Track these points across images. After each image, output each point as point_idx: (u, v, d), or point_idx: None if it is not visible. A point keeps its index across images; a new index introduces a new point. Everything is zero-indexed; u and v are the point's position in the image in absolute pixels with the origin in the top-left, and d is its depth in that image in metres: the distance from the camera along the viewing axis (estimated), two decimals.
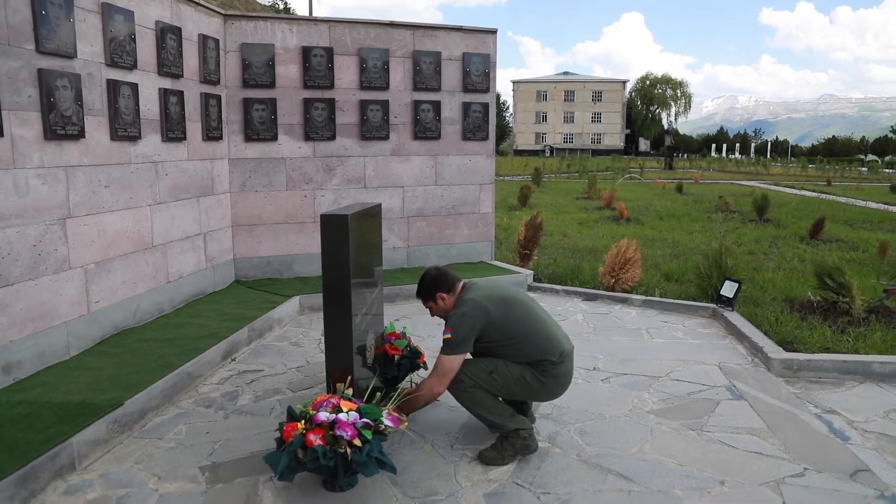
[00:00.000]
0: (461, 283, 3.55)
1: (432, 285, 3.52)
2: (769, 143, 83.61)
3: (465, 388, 3.36)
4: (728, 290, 6.05)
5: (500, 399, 3.44)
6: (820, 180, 31.56)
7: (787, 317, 5.73)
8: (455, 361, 3.29)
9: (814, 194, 22.26)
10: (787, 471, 3.27)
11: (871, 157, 73.97)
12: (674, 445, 3.52)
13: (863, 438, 3.65)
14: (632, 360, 4.87)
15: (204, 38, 6.11)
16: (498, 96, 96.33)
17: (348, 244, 3.15)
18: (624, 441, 3.56)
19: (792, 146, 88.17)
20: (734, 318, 5.71)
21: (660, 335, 5.55)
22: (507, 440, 3.36)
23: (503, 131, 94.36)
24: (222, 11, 6.56)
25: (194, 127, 6.06)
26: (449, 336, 3.28)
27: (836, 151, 77.87)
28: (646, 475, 3.20)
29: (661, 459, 3.36)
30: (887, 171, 45.40)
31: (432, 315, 3.62)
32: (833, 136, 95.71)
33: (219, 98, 6.48)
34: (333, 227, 3.17)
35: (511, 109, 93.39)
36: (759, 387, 4.38)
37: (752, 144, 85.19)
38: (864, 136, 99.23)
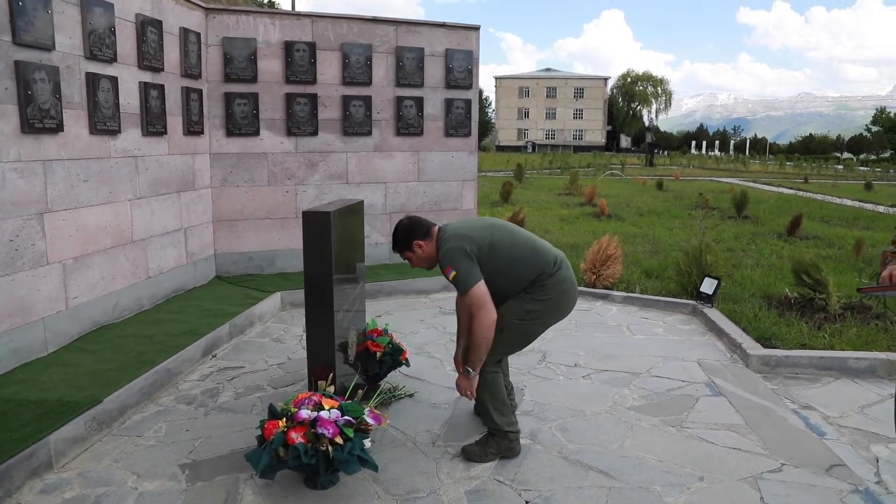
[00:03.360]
0: (436, 227, 3.41)
1: (407, 234, 3.38)
2: (748, 141, 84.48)
3: (485, 371, 3.30)
4: (707, 286, 6.12)
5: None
6: (797, 178, 31.98)
7: (766, 313, 5.81)
8: (479, 288, 3.13)
9: (791, 191, 22.54)
10: (764, 466, 3.32)
11: (846, 154, 75.10)
12: (654, 442, 3.56)
13: (838, 433, 3.71)
14: (613, 357, 4.91)
15: (185, 32, 6.05)
16: (480, 92, 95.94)
17: (330, 241, 3.14)
18: (604, 438, 3.59)
19: (770, 143, 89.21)
20: (714, 314, 5.78)
21: (640, 331, 5.60)
22: (493, 438, 3.35)
23: (486, 127, 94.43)
24: (204, 5, 6.49)
25: (175, 121, 6.00)
26: (455, 272, 3.14)
27: (813, 149, 78.88)
28: (626, 471, 3.23)
29: (641, 456, 3.40)
30: (862, 168, 46.10)
31: (413, 266, 3.47)
32: (810, 133, 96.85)
33: (200, 92, 6.41)
34: (315, 224, 3.16)
35: (493, 105, 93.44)
36: (737, 383, 4.44)
37: (732, 142, 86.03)
38: (839, 135, 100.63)
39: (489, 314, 3.13)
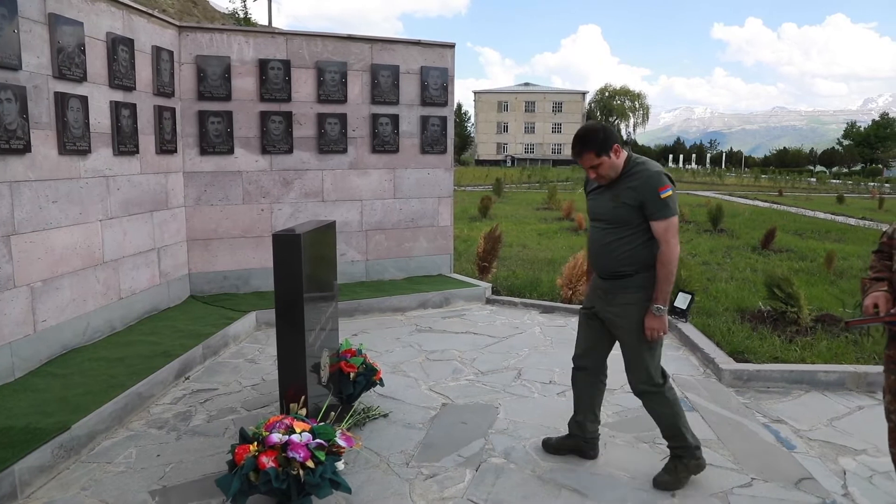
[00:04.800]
0: None
1: (607, 134, 3.12)
2: (724, 154, 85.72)
3: (665, 389, 3.24)
4: (682, 301, 6.17)
5: None
6: (772, 190, 32.47)
7: (739, 327, 5.87)
8: (677, 219, 3.12)
9: (766, 204, 22.88)
10: (735, 481, 3.34)
11: (819, 168, 76.44)
12: (626, 458, 3.58)
13: (807, 447, 3.76)
14: None
15: (158, 50, 6.03)
16: (459, 106, 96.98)
17: (301, 263, 3.13)
18: (578, 455, 3.59)
19: (746, 157, 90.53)
20: (688, 329, 5.83)
21: (615, 347, 5.61)
22: (681, 461, 3.27)
23: (465, 141, 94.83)
24: (177, 23, 6.48)
25: (147, 140, 5.95)
26: (670, 192, 3.05)
27: (787, 162, 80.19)
28: (598, 489, 3.24)
29: (613, 473, 3.41)
30: (834, 181, 46.93)
31: (594, 175, 3.18)
32: (784, 147, 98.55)
33: (173, 111, 6.38)
34: (286, 246, 3.15)
35: (473, 119, 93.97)
36: (710, 398, 4.48)
37: (708, 155, 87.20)
38: (812, 148, 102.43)
39: (678, 245, 3.11)
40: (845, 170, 71.83)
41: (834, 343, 5.41)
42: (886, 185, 40.03)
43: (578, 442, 3.59)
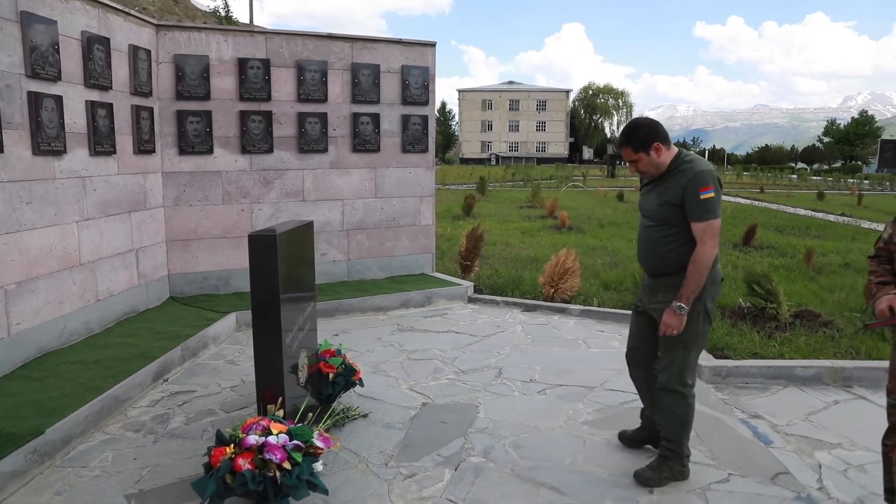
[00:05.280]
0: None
1: (650, 133, 3.13)
2: (707, 152, 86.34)
3: (689, 394, 3.24)
4: None
5: None
6: (754, 187, 32.74)
7: (719, 323, 5.91)
8: (719, 220, 3.09)
9: (748, 201, 23.06)
10: (712, 477, 3.37)
11: (800, 165, 77.20)
12: (606, 456, 3.59)
13: (784, 441, 3.80)
14: (568, 371, 4.94)
15: (135, 49, 5.96)
16: (444, 105, 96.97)
17: (277, 263, 3.11)
18: (558, 453, 3.60)
19: (728, 154, 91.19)
20: None
21: (596, 345, 5.65)
22: (667, 462, 3.29)
23: (449, 140, 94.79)
24: (154, 22, 6.41)
25: (125, 140, 5.89)
26: (711, 195, 3.02)
27: (768, 160, 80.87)
28: (577, 487, 3.25)
29: (592, 471, 3.42)
30: (815, 178, 47.42)
31: (636, 169, 3.22)
32: (766, 144, 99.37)
33: (151, 110, 6.32)
34: (262, 247, 3.12)
35: (457, 118, 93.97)
36: None
37: (691, 152, 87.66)
38: (793, 145, 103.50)
39: (716, 248, 3.08)
40: (826, 167, 72.60)
41: (812, 339, 5.47)
42: (865, 181, 40.52)
43: (650, 434, 3.62)
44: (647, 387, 3.53)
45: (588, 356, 5.34)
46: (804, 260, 9.21)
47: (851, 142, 77.97)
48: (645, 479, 3.27)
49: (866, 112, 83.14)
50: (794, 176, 50.69)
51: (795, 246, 11.05)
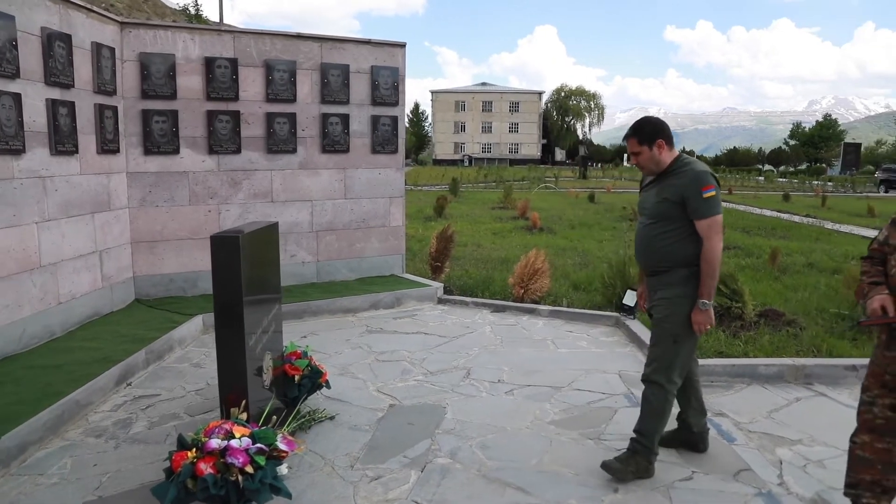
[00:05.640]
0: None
1: (655, 129, 3.29)
2: None
3: (670, 390, 3.31)
4: (630, 298, 6.27)
5: None
6: (722, 189, 33.22)
7: None
8: (721, 216, 3.23)
9: None
10: (676, 475, 3.40)
11: (767, 167, 78.60)
12: (572, 455, 3.61)
13: (747, 439, 3.85)
14: (536, 372, 4.96)
15: (98, 47, 5.85)
16: (417, 106, 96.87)
17: (240, 265, 3.07)
18: (524, 453, 3.61)
19: (698, 156, 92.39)
20: (635, 326, 5.92)
21: (564, 345, 5.68)
22: (636, 456, 3.33)
23: (422, 141, 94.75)
24: (118, 19, 6.30)
25: (88, 140, 5.78)
26: (713, 193, 3.17)
27: (737, 162, 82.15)
28: (543, 487, 3.26)
29: (558, 470, 3.44)
30: (781, 180, 48.32)
31: (635, 161, 3.37)
32: (734, 147, 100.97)
33: (115, 109, 6.21)
34: (224, 248, 3.08)
35: (430, 119, 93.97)
36: None
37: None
38: (761, 148, 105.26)
39: (721, 243, 3.21)
40: (792, 169, 74.00)
41: (776, 337, 5.57)
42: (829, 183, 41.41)
43: (687, 436, 3.65)
44: (682, 389, 3.56)
45: (556, 356, 5.37)
46: (769, 260, 9.37)
47: (816, 145, 79.60)
48: (611, 469, 3.32)
49: (830, 116, 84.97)
50: (761, 178, 51.62)
51: (761, 246, 11.23)
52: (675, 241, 3.27)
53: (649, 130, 3.29)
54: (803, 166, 72.04)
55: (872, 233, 14.50)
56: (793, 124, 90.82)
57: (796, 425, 4.05)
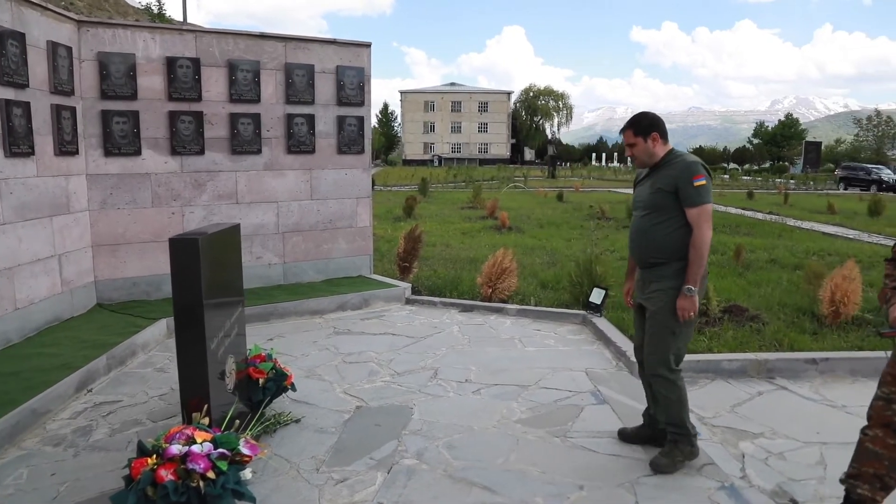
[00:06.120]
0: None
1: (652, 123, 3.42)
2: None
3: (677, 377, 3.40)
4: (596, 296, 6.32)
5: None
6: None
7: None
8: (711, 205, 3.34)
9: None
10: (642, 471, 3.44)
11: (732, 165, 79.91)
12: (538, 454, 3.62)
13: (710, 433, 3.91)
14: (503, 371, 4.97)
15: (54, 46, 5.71)
16: (386, 106, 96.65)
17: (200, 268, 3.02)
18: (490, 453, 3.61)
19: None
20: (602, 323, 5.97)
21: (532, 344, 5.70)
22: (678, 446, 3.43)
23: (392, 141, 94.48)
24: (75, 17, 6.17)
25: (44, 141, 5.64)
26: (704, 182, 3.28)
27: (703, 160, 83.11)
28: (509, 485, 3.26)
29: (525, 469, 3.44)
30: (745, 178, 49.21)
31: (630, 153, 3.49)
32: (700, 146, 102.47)
33: (73, 110, 6.07)
34: (183, 251, 3.03)
35: (399, 119, 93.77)
36: (621, 390, 4.59)
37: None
38: (725, 146, 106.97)
39: (710, 231, 3.31)
40: (755, 167, 75.34)
41: (739, 332, 5.65)
42: (791, 181, 42.29)
43: (652, 432, 3.70)
44: (651, 385, 3.62)
45: (523, 355, 5.39)
46: (734, 257, 9.54)
47: (779, 143, 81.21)
48: (660, 467, 3.40)
49: (792, 115, 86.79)
50: (726, 176, 52.47)
51: (726, 243, 11.41)
52: (669, 231, 3.36)
53: (645, 124, 3.42)
54: (767, 165, 73.42)
55: (833, 229, 14.86)
56: (756, 123, 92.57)
57: (758, 419, 4.12)
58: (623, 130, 3.51)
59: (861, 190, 34.16)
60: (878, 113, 74.87)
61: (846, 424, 4.02)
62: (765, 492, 3.23)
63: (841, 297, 5.94)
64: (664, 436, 3.63)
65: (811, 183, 39.94)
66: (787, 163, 70.22)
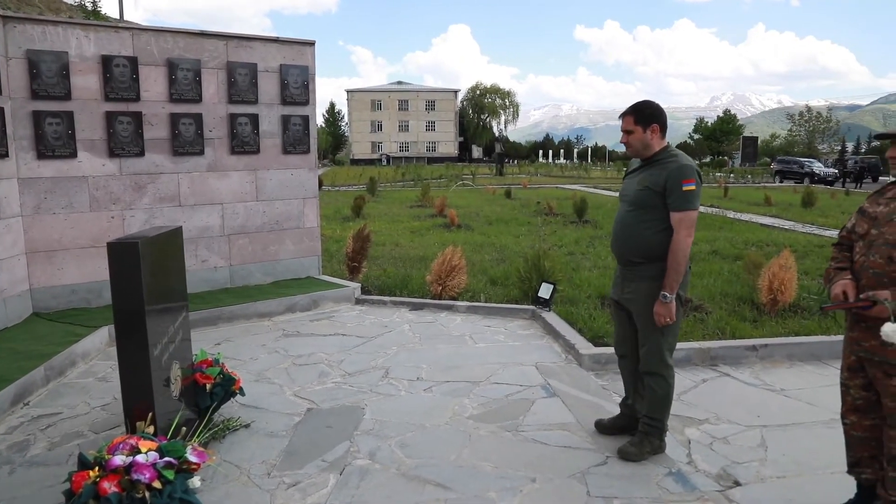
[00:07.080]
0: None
1: (653, 114, 3.35)
2: (589, 149, 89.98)
3: (669, 374, 3.44)
4: (545, 291, 6.40)
5: None
6: None
7: (600, 313, 6.16)
8: (697, 212, 3.29)
9: None
10: (592, 461, 3.50)
11: None
12: (490, 449, 3.64)
13: None
14: (455, 368, 4.99)
15: None
16: (332, 105, 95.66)
17: (140, 273, 2.94)
18: (443, 449, 3.62)
19: (610, 151, 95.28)
20: (551, 317, 6.05)
21: (482, 340, 5.74)
22: (648, 438, 3.47)
23: (339, 140, 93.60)
24: (0, 12, 5.90)
25: None
26: (693, 188, 3.22)
27: None
28: (462, 481, 3.28)
29: (477, 464, 3.46)
30: None
31: (625, 140, 3.40)
32: None
33: (2, 111, 5.81)
34: (122, 256, 2.95)
35: (346, 119, 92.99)
36: (571, 382, 4.66)
37: (575, 150, 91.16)
38: (669, 142, 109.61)
39: (691, 237, 3.26)
40: (697, 162, 77.40)
41: (685, 323, 5.79)
42: (731, 175, 43.64)
43: (628, 421, 3.73)
44: (633, 377, 3.69)
45: (474, 351, 5.41)
46: None
47: (718, 138, 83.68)
48: (628, 455, 3.46)
49: (730, 111, 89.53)
50: None
51: None
52: (651, 231, 3.32)
53: (648, 113, 3.36)
54: (707, 159, 75.57)
55: (770, 220, 15.41)
56: (696, 119, 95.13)
57: (703, 405, 4.24)
58: (623, 115, 3.43)
59: (795, 182, 35.52)
60: (808, 109, 78.02)
61: (784, 407, 4.19)
62: (710, 476, 3.33)
63: (778, 285, 6.16)
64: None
65: (749, 176, 41.28)
66: (726, 157, 72.45)
